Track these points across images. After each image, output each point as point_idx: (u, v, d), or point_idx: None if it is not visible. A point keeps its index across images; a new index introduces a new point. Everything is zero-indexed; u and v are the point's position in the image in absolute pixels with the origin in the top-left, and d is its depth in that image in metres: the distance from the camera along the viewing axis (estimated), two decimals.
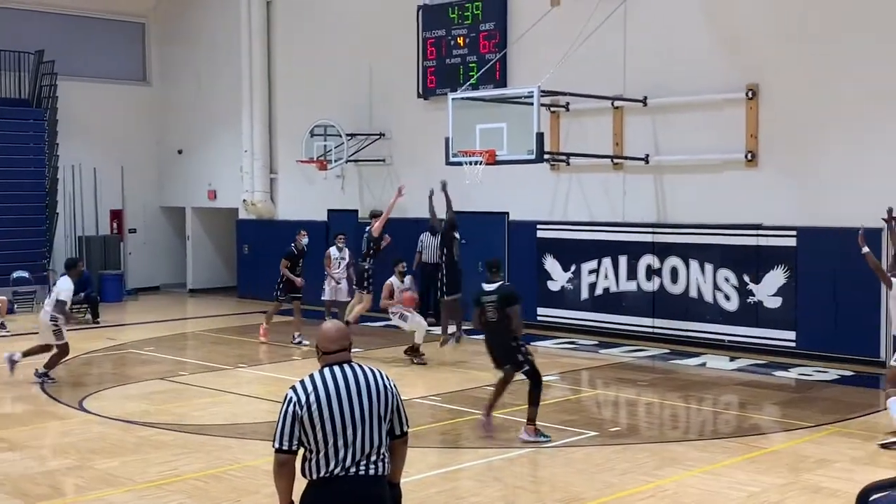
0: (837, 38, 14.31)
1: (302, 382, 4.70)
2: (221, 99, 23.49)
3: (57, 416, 11.43)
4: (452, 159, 15.01)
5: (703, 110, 15.63)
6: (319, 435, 4.60)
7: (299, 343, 16.07)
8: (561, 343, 16.43)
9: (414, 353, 14.53)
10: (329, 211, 21.41)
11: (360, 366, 4.80)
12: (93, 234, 23.47)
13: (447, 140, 15.00)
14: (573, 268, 17.22)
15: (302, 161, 20.56)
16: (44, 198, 22.63)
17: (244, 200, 22.69)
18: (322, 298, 17.63)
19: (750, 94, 15.03)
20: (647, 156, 16.14)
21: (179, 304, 22.97)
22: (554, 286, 17.52)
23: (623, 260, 16.52)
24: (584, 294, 17.07)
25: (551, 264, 17.53)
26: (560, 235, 17.41)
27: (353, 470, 4.61)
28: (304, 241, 16.77)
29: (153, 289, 24.53)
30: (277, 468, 4.70)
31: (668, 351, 15.50)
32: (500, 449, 9.76)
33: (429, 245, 18.19)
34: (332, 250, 17.63)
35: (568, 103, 16.86)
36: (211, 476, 8.83)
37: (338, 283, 17.43)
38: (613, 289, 16.70)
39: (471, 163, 14.63)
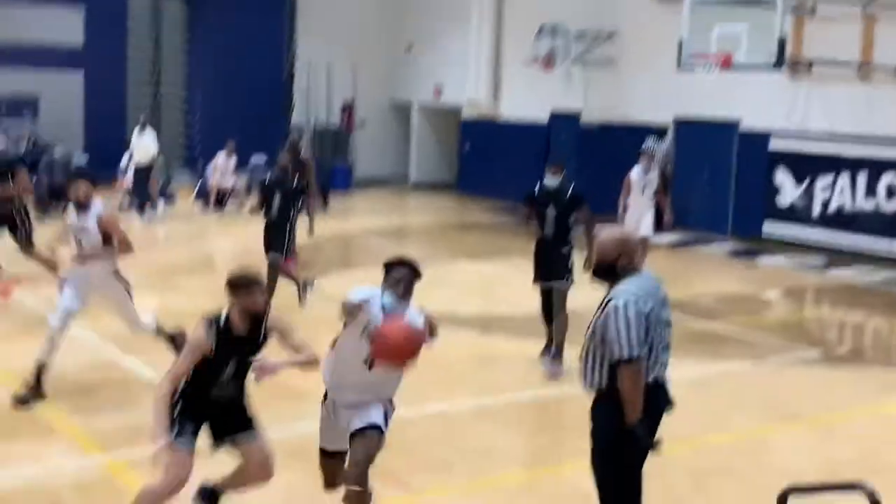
0: None
1: (627, 288, 4.57)
2: None
3: (288, 293, 12.14)
4: (685, 63, 14.54)
5: None
6: (653, 341, 4.55)
7: None
8: (788, 260, 15.82)
9: None
10: (552, 114, 21.29)
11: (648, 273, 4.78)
12: (326, 125, 24.47)
13: (680, 42, 14.51)
14: (806, 182, 16.42)
15: (528, 61, 20.43)
16: (281, 90, 23.72)
17: (468, 99, 22.89)
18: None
19: None
20: None
21: (402, 197, 23.71)
22: (783, 201, 16.80)
23: (862, 176, 15.58)
24: (816, 210, 16.28)
25: (782, 178, 16.78)
26: (795, 148, 16.58)
27: (662, 376, 4.67)
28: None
29: (378, 181, 25.37)
30: (637, 378, 4.47)
31: None
32: (716, 360, 9.61)
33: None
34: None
35: (815, 6, 15.83)
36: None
37: None
38: (849, 207, 15.82)
39: (704, 67, 14.12)
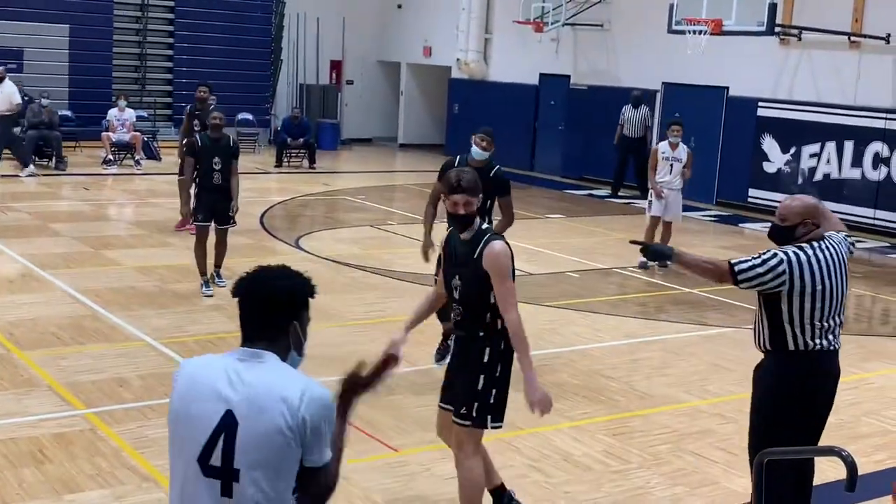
0: None
1: (791, 251, 4.68)
2: None
3: (275, 252, 12.15)
4: (675, 27, 14.48)
5: None
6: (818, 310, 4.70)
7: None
8: None
9: None
10: (541, 75, 21.20)
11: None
12: (313, 82, 24.27)
13: (671, 6, 14.44)
14: (793, 150, 16.45)
15: (518, 21, 20.32)
16: (269, 44, 23.49)
17: (458, 59, 22.76)
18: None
19: None
20: (889, 35, 14.98)
21: (390, 157, 23.62)
22: (770, 168, 16.84)
23: (849, 145, 15.62)
24: (802, 178, 16.33)
25: (769, 145, 16.80)
26: (783, 115, 16.59)
27: (831, 342, 4.84)
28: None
29: (365, 140, 25.25)
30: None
31: (888, 245, 14.71)
32: (697, 325, 9.67)
33: (631, 119, 17.86)
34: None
35: None
36: None
37: None
38: (835, 175, 15.87)
39: (694, 32, 14.07)
